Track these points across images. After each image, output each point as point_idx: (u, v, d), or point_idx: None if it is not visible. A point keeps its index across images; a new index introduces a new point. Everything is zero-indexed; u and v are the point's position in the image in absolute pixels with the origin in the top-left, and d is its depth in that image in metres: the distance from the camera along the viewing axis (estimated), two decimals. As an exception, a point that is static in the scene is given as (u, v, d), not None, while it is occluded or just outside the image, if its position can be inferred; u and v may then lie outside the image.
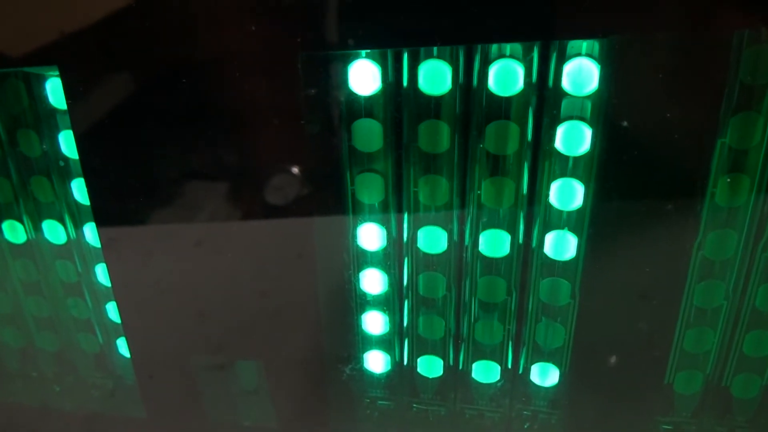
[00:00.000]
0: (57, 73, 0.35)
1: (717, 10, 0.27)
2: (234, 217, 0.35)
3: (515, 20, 0.28)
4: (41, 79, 0.36)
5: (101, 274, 0.41)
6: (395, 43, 0.29)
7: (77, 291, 0.42)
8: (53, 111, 0.37)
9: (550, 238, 0.33)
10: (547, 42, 0.29)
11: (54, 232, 0.41)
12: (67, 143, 0.37)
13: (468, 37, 0.29)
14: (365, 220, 0.35)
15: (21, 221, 0.41)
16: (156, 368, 0.41)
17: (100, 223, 0.36)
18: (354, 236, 0.35)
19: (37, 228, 0.41)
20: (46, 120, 0.37)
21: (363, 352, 0.38)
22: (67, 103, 0.34)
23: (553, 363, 0.37)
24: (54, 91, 0.36)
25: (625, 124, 0.29)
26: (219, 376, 0.40)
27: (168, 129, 0.33)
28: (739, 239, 0.32)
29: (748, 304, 0.34)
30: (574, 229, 0.33)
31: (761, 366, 0.35)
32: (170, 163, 0.35)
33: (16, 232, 0.42)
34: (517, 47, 0.30)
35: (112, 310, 0.42)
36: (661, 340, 0.35)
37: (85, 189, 0.38)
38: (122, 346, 0.43)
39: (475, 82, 0.30)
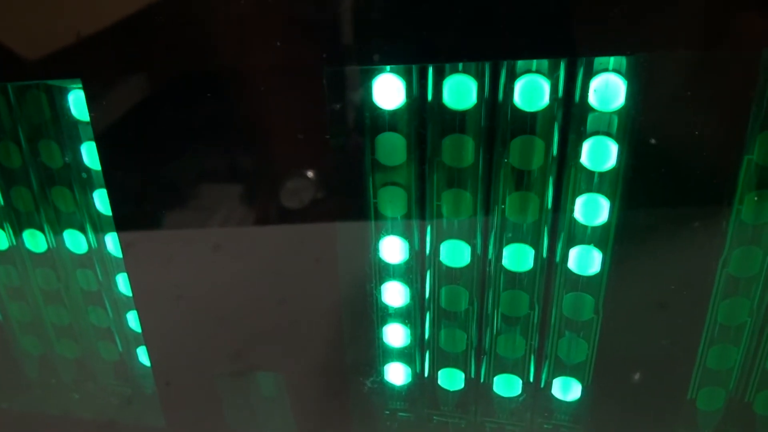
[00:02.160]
0: (79, 85, 0.35)
1: (745, 27, 0.27)
2: (252, 223, 0.35)
3: (542, 37, 0.28)
4: (63, 92, 0.36)
5: (122, 283, 0.41)
6: (421, 59, 0.29)
7: (98, 300, 0.42)
8: (75, 122, 0.37)
9: (574, 252, 0.33)
10: (573, 58, 0.29)
11: (75, 241, 0.41)
12: (89, 154, 0.37)
13: (494, 54, 0.29)
14: (388, 233, 0.34)
15: (42, 230, 0.41)
16: (175, 375, 0.41)
17: (122, 230, 0.36)
18: (376, 249, 0.35)
19: (58, 237, 0.41)
20: (68, 131, 0.37)
21: (384, 364, 0.38)
22: (90, 115, 0.34)
23: (576, 378, 0.36)
24: (76, 103, 0.36)
25: (651, 140, 0.29)
26: (238, 384, 0.40)
27: (192, 142, 0.33)
28: (765, 256, 0.32)
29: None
30: (598, 245, 0.32)
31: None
32: (192, 175, 0.35)
33: (36, 241, 0.42)
34: (544, 62, 0.29)
35: (132, 319, 0.42)
36: (684, 357, 0.34)
37: (106, 199, 0.38)
38: (142, 355, 0.43)
39: (500, 96, 0.30)
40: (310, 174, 0.33)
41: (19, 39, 0.33)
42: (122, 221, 0.36)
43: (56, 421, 0.47)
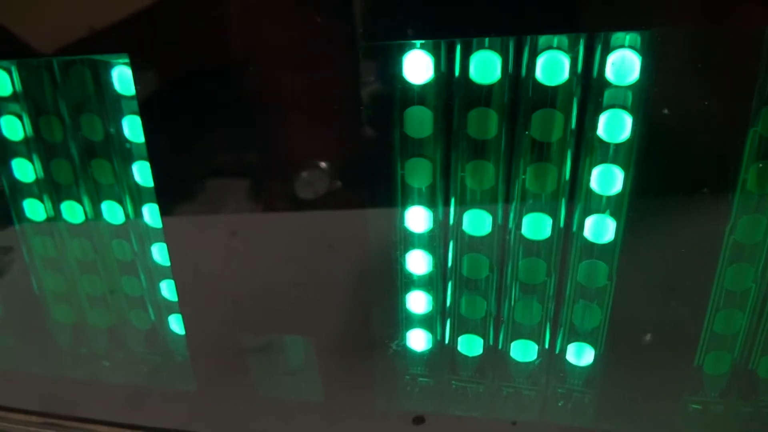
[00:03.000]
0: (123, 60, 0.37)
1: (751, 3, 0.29)
2: (294, 197, 0.37)
3: (562, 13, 0.30)
4: (108, 66, 0.38)
5: (157, 253, 0.43)
6: (450, 33, 0.31)
7: (132, 269, 0.44)
8: (118, 97, 0.39)
9: (589, 221, 0.35)
10: (592, 34, 0.31)
11: (113, 212, 0.43)
12: (130, 128, 0.39)
13: (518, 29, 0.31)
14: (414, 203, 0.37)
15: (80, 202, 0.43)
16: (208, 344, 0.43)
17: (163, 203, 0.39)
18: (402, 218, 0.37)
19: (96, 209, 0.43)
20: (111, 105, 0.39)
21: (406, 331, 0.40)
22: (136, 89, 0.36)
23: (589, 343, 0.38)
24: (120, 78, 0.38)
25: (664, 112, 0.31)
26: (267, 353, 0.42)
27: (230, 115, 0.36)
28: (769, 225, 0.34)
29: (777, 288, 0.35)
30: (613, 213, 0.34)
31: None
32: (231, 149, 0.37)
33: (74, 212, 0.44)
34: (564, 39, 0.31)
35: (166, 288, 0.44)
36: (692, 322, 0.36)
37: (145, 171, 0.40)
38: (173, 323, 0.45)
39: (523, 71, 0.32)
40: (345, 153, 0.35)
41: (67, 16, 0.36)
42: (163, 191, 0.38)
43: (86, 386, 0.48)
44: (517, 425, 0.41)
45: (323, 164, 0.36)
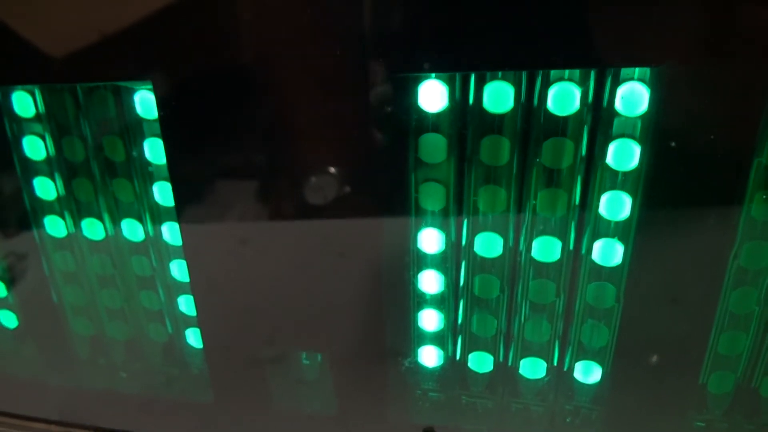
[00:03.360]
0: (146, 86, 0.38)
1: (757, 38, 0.30)
2: (309, 214, 0.38)
3: (575, 50, 0.31)
4: (130, 92, 0.39)
5: (176, 269, 0.44)
6: (465, 68, 0.33)
7: (150, 284, 0.46)
8: (140, 120, 0.40)
9: (598, 245, 0.36)
10: (602, 69, 0.32)
11: (133, 230, 0.44)
12: (151, 150, 0.40)
13: (531, 64, 0.32)
14: (427, 225, 0.38)
15: (101, 219, 0.45)
16: (224, 356, 0.44)
17: (183, 220, 0.40)
18: (416, 239, 0.38)
19: (116, 226, 0.44)
20: (132, 128, 0.40)
21: (418, 347, 0.41)
22: (159, 114, 0.37)
23: (597, 362, 0.40)
24: (143, 103, 0.39)
25: (671, 143, 0.32)
26: (283, 365, 0.43)
27: (252, 140, 0.37)
28: (773, 250, 0.35)
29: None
30: (621, 238, 0.36)
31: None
32: (249, 169, 0.38)
33: (95, 229, 0.45)
34: (576, 71, 0.33)
35: (183, 303, 0.45)
36: (697, 342, 0.37)
37: (165, 191, 0.41)
38: (190, 336, 0.46)
39: (535, 101, 0.33)
40: (359, 173, 0.37)
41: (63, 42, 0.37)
42: (183, 210, 0.40)
43: (103, 397, 0.50)
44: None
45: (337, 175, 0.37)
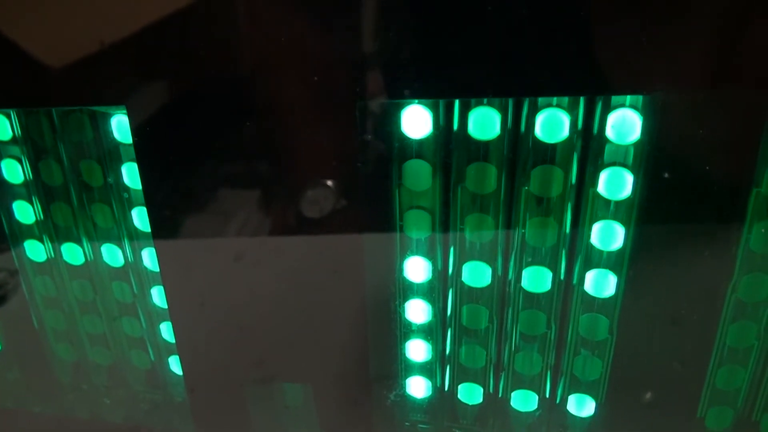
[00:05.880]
0: (122, 111, 0.37)
1: (754, 65, 0.28)
2: (278, 234, 0.37)
3: (562, 77, 0.30)
4: (106, 116, 0.38)
5: (156, 295, 0.43)
6: (449, 94, 0.31)
7: (132, 310, 0.44)
8: (117, 144, 0.39)
9: (590, 275, 0.35)
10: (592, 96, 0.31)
11: (112, 255, 0.43)
12: (129, 174, 0.39)
13: (518, 92, 0.30)
14: (413, 254, 0.36)
15: (80, 244, 0.43)
16: (204, 383, 0.43)
17: (159, 242, 0.38)
18: (401, 268, 0.37)
19: (96, 251, 0.43)
20: (109, 152, 0.39)
21: (406, 378, 0.40)
22: (134, 140, 0.36)
23: (590, 395, 0.38)
24: (119, 127, 0.38)
25: (665, 172, 0.31)
26: (265, 391, 0.42)
27: (227, 165, 0.35)
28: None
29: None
30: (613, 268, 0.34)
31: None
32: (225, 194, 0.37)
33: (74, 254, 0.44)
34: (564, 98, 0.31)
35: (165, 330, 0.44)
36: (694, 377, 0.36)
37: (143, 216, 0.40)
38: (173, 364, 0.45)
39: (522, 128, 0.32)
40: (340, 195, 0.35)
41: (70, 70, 0.36)
42: (160, 234, 0.38)
43: (87, 426, 0.48)
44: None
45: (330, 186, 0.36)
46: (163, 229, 0.38)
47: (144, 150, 0.36)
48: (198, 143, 0.35)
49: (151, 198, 0.37)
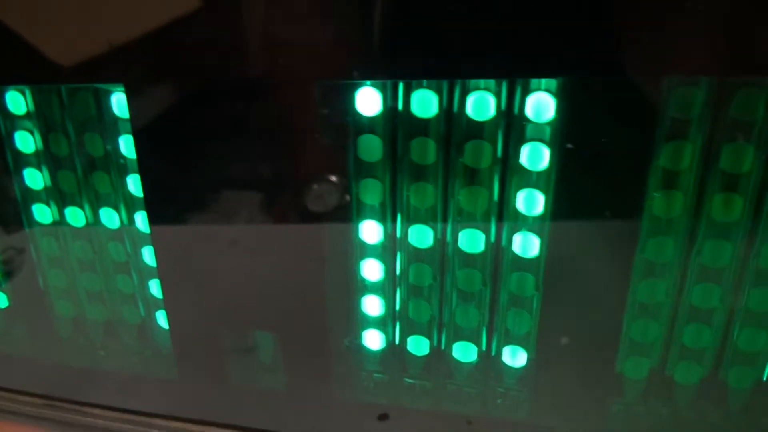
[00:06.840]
0: (121, 89, 0.43)
1: (648, 53, 0.34)
2: (264, 220, 0.42)
3: (487, 62, 0.35)
4: (108, 93, 0.44)
5: (147, 255, 0.49)
6: (392, 76, 0.37)
7: (125, 269, 0.50)
8: (116, 119, 0.45)
9: (517, 238, 0.40)
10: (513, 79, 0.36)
11: (110, 218, 0.49)
12: (126, 145, 0.45)
13: (449, 74, 0.36)
14: (367, 218, 0.42)
15: (82, 208, 0.49)
16: (189, 339, 0.48)
17: (151, 212, 0.44)
18: (357, 231, 0.42)
19: (96, 215, 0.49)
20: (109, 126, 0.45)
21: (362, 330, 0.45)
22: (130, 115, 0.42)
23: (521, 346, 0.43)
24: (118, 104, 0.44)
25: (576, 147, 0.36)
26: (241, 348, 0.47)
27: (212, 139, 0.41)
28: (675, 244, 0.38)
29: (686, 301, 0.40)
30: (537, 231, 0.39)
31: (699, 356, 0.41)
32: (211, 168, 0.42)
33: (77, 217, 0.50)
34: (491, 81, 0.37)
35: (155, 287, 0.50)
36: (611, 331, 0.41)
37: (138, 183, 0.46)
38: (161, 319, 0.51)
39: (455, 108, 0.38)
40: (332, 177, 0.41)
41: (72, 51, 0.41)
42: (151, 201, 0.44)
43: (84, 373, 0.54)
44: (472, 424, 0.46)
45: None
46: (154, 196, 0.44)
47: (139, 124, 0.42)
48: (187, 117, 0.41)
49: (145, 168, 0.43)
